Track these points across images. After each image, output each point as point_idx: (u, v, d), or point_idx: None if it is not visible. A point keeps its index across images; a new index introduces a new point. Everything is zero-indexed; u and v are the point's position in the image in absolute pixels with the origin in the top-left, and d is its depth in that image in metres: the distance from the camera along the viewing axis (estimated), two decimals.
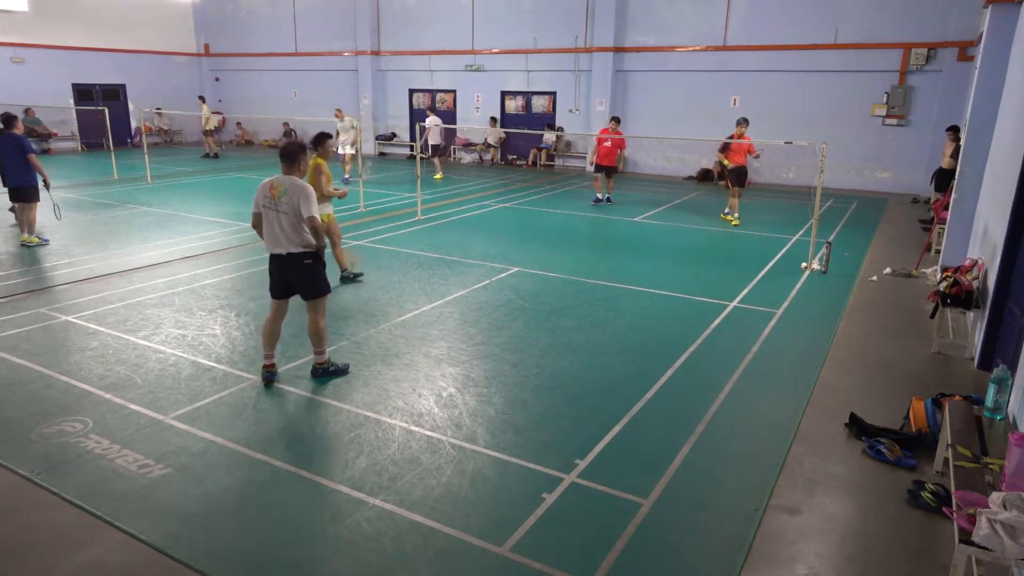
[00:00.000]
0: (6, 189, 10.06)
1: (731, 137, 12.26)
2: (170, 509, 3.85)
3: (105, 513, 3.79)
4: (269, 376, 5.52)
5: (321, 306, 5.48)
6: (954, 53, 15.50)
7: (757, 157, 12.64)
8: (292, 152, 5.21)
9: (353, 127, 16.28)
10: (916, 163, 16.32)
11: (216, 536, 3.65)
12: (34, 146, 10.03)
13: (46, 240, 10.10)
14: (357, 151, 15.71)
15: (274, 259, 5.31)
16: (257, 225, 5.33)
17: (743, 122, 12.04)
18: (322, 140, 7.53)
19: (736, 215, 12.52)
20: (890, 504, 4.07)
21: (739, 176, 12.32)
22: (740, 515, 3.90)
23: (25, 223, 9.93)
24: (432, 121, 17.41)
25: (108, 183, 16.08)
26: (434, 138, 17.53)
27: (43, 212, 10.55)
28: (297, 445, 4.56)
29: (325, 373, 5.62)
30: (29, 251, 9.64)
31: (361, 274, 8.45)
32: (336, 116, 16.92)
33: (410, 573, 3.40)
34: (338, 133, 16.45)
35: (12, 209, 11.10)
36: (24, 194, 9.80)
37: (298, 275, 5.31)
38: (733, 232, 11.98)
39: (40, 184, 9.80)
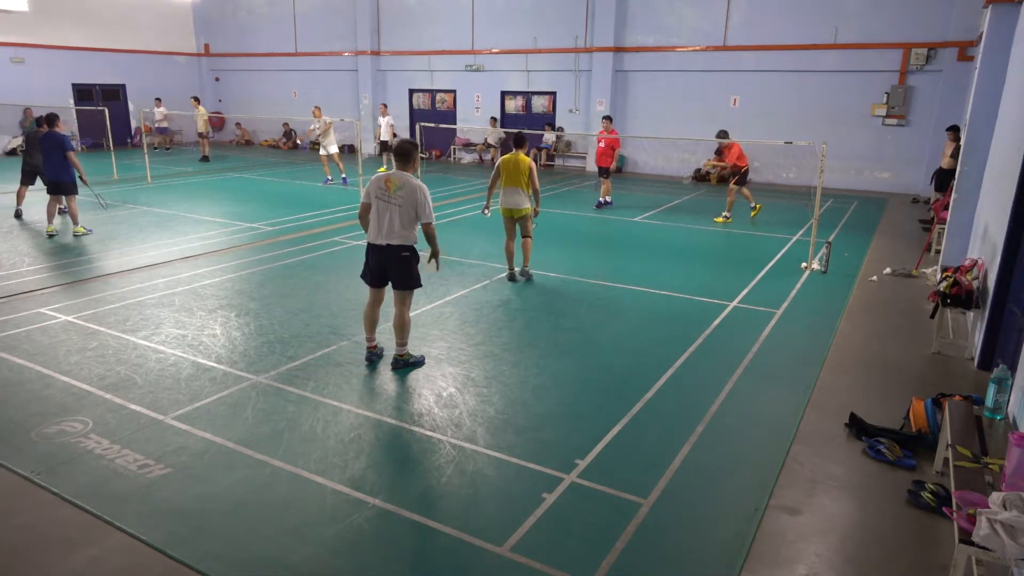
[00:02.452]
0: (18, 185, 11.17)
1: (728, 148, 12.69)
2: (170, 509, 3.85)
3: (105, 513, 3.79)
4: (372, 356, 5.94)
5: (409, 299, 5.74)
6: (954, 53, 15.49)
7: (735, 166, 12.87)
8: (407, 150, 5.50)
9: (318, 128, 16.59)
10: (916, 163, 16.32)
11: (216, 536, 3.65)
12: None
13: (90, 230, 10.83)
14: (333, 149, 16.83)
15: (374, 248, 5.58)
16: (364, 215, 5.61)
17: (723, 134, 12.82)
18: (524, 140, 8.30)
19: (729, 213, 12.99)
20: (890, 504, 4.07)
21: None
22: (740, 515, 3.90)
23: (70, 215, 10.68)
24: (387, 121, 18.84)
25: (108, 183, 16.05)
26: (386, 135, 18.75)
27: (36, 208, 10.66)
28: (297, 445, 4.56)
29: (406, 365, 5.80)
30: (33, 249, 9.65)
31: (531, 277, 8.54)
32: (314, 115, 16.90)
33: (410, 573, 3.41)
34: (313, 130, 17.02)
35: (18, 214, 11.42)
36: (64, 188, 10.44)
37: (395, 266, 5.57)
38: (733, 232, 11.99)
39: (78, 179, 10.63)
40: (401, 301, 5.70)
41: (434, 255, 5.72)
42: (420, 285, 5.73)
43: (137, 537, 3.61)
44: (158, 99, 23.13)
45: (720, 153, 13.09)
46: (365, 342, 5.98)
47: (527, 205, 8.19)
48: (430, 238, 5.62)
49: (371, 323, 5.88)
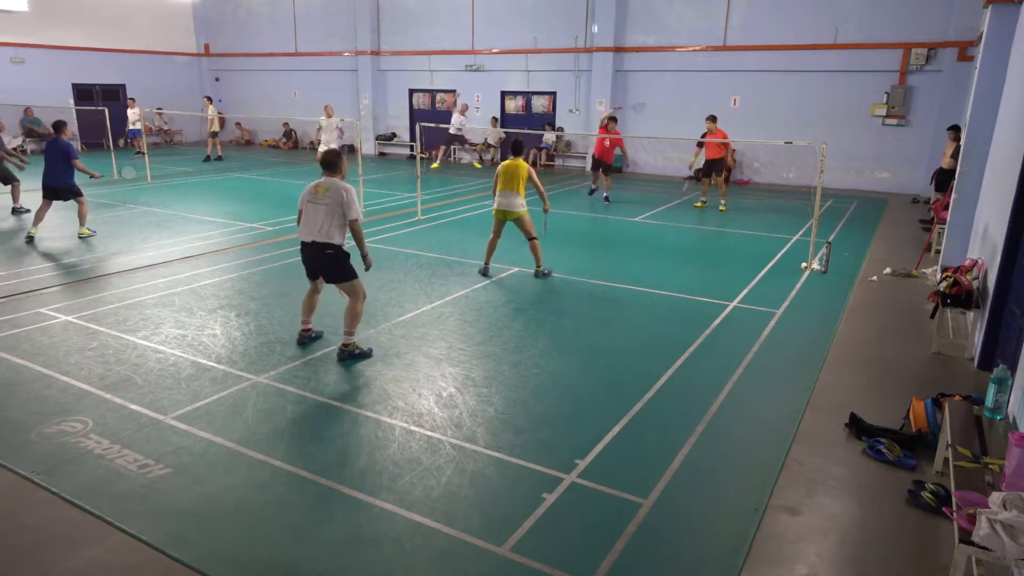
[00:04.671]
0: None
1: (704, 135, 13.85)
2: (170, 509, 3.85)
3: (105, 513, 3.79)
4: (305, 339, 6.35)
5: (353, 289, 5.92)
6: (954, 53, 15.48)
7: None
8: (331, 160, 5.93)
9: (337, 127, 16.91)
10: (916, 163, 16.31)
11: (216, 536, 3.65)
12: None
13: (94, 231, 10.83)
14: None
15: (304, 247, 5.93)
16: (300, 219, 5.95)
17: (711, 119, 13.70)
18: (522, 148, 8.71)
19: (705, 199, 14.38)
20: (890, 504, 4.07)
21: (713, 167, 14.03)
22: (740, 515, 3.90)
23: (79, 216, 10.70)
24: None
25: (108, 183, 16.05)
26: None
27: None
28: (297, 445, 4.56)
29: (350, 356, 5.94)
30: (33, 250, 9.66)
31: (550, 272, 8.73)
32: (327, 113, 17.34)
33: (410, 573, 3.40)
34: (320, 129, 17.52)
35: (15, 210, 11.51)
36: (62, 194, 10.51)
37: (321, 264, 5.91)
38: (733, 232, 11.99)
39: (88, 179, 11.01)
40: (347, 292, 5.94)
41: (363, 257, 5.96)
42: (355, 276, 5.91)
43: (137, 537, 3.61)
44: (131, 99, 22.31)
45: (701, 145, 13.98)
46: (300, 324, 6.37)
47: (520, 209, 8.40)
48: (356, 236, 5.85)
49: (306, 308, 6.31)
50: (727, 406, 5.22)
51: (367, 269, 6.01)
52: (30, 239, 10.25)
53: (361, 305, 5.97)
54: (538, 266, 8.63)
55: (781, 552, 3.62)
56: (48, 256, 9.44)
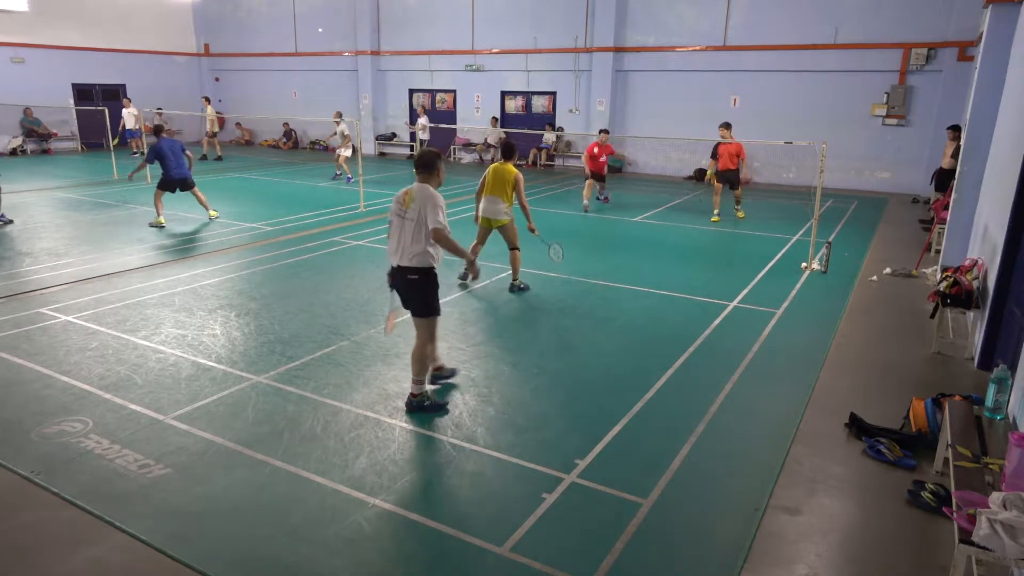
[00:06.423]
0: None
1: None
2: (170, 509, 3.85)
3: (105, 513, 3.79)
4: (434, 378, 5.33)
5: (427, 328, 4.99)
6: (954, 53, 15.49)
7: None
8: (428, 160, 4.91)
9: (344, 133, 17.00)
10: (916, 163, 16.32)
11: (216, 536, 3.65)
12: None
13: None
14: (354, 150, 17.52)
15: (390, 270, 5.00)
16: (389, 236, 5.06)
17: (725, 126, 12.62)
18: (513, 151, 8.03)
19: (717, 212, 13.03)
20: (890, 504, 4.07)
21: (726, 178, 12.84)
22: (740, 515, 3.90)
23: (202, 203, 11.94)
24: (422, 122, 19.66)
25: (108, 183, 16.08)
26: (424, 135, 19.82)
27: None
28: (297, 445, 4.55)
29: (420, 408, 4.99)
30: (33, 249, 9.66)
31: (527, 287, 8.13)
32: (335, 119, 17.25)
33: (410, 573, 3.41)
34: (334, 134, 17.84)
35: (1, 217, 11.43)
36: (190, 184, 11.68)
37: (405, 290, 4.95)
38: (733, 232, 11.99)
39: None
40: (419, 328, 4.99)
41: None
42: (437, 313, 5.00)
43: (137, 537, 3.61)
44: (127, 99, 21.88)
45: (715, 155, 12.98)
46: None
47: (505, 217, 7.86)
48: (445, 246, 4.79)
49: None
50: (727, 406, 5.22)
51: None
52: (160, 226, 11.29)
53: (429, 348, 5.03)
54: (515, 279, 8.06)
55: (781, 552, 3.62)
56: (48, 256, 9.44)
